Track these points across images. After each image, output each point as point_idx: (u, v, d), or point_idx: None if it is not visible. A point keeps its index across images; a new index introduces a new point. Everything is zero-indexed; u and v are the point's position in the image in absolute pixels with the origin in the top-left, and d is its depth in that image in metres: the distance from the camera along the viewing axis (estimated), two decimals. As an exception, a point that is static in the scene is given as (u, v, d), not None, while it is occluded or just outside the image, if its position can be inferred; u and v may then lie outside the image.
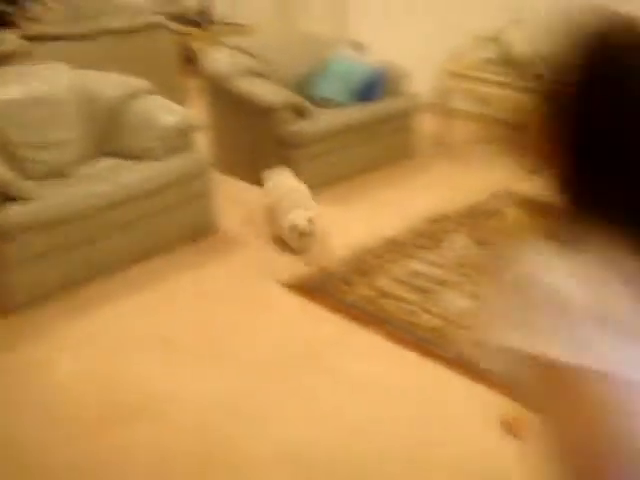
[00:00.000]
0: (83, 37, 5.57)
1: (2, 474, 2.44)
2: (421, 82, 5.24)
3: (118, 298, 3.47)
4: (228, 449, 2.54)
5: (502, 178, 3.68)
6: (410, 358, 2.99)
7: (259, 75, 4.72)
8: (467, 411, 2.68)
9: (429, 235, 4.02)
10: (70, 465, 2.47)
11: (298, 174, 4.50)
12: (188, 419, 2.69)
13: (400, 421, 2.66)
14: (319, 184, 4.64)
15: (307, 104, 4.66)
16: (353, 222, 4.21)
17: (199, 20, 7.49)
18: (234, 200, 4.43)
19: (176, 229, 3.92)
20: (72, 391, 2.86)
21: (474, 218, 4.19)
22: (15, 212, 3.30)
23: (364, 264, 3.72)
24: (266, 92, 4.55)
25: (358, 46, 5.39)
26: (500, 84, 4.87)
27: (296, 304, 3.41)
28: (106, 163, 3.90)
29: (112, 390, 2.85)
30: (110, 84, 4.15)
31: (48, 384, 2.90)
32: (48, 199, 3.46)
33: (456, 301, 3.36)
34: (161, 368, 2.97)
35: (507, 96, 4.77)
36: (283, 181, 4.08)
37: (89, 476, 2.43)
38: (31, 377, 2.95)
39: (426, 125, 5.33)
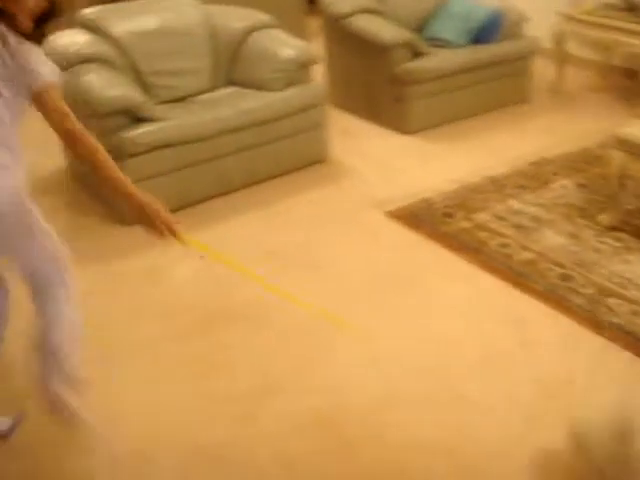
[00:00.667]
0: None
1: (120, 369, 2.79)
2: (539, 26, 5.23)
3: (234, 214, 3.80)
4: (324, 350, 2.82)
5: (612, 126, 3.71)
6: (501, 287, 3.16)
7: (378, 14, 4.86)
8: (549, 338, 2.84)
9: (532, 177, 4.11)
10: (181, 359, 2.81)
11: (409, 112, 4.66)
12: (288, 324, 2.98)
13: (485, 338, 2.85)
14: (430, 123, 4.79)
15: (423, 43, 4.78)
16: (459, 160, 4.35)
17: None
18: (346, 132, 4.66)
19: (291, 156, 4.19)
20: (185, 293, 3.20)
21: (579, 163, 4.24)
22: (145, 132, 3.66)
23: (466, 199, 3.88)
24: (383, 30, 4.69)
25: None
26: (621, 30, 4.82)
27: (397, 231, 3.62)
28: (229, 91, 4.20)
29: (221, 294, 3.18)
30: (235, 17, 4.42)
31: (165, 286, 3.26)
32: (175, 121, 3.80)
33: (552, 239, 3.48)
34: (269, 279, 3.26)
35: (627, 43, 4.73)
36: None
37: (197, 369, 2.76)
38: (152, 279, 3.32)
39: (541, 70, 5.33)
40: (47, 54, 2.08)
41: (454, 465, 2.28)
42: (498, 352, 2.78)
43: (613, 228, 3.49)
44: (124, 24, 4.08)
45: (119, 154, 3.58)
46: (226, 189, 3.99)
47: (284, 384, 2.65)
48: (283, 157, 4.17)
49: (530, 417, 2.44)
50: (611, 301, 3.00)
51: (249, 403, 2.57)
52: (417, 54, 4.69)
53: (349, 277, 3.28)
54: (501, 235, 3.53)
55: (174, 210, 3.69)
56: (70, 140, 2.10)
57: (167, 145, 3.72)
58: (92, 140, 2.10)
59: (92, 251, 3.50)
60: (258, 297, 3.14)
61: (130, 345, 2.87)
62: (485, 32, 4.95)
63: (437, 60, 4.74)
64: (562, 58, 5.33)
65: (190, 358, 2.79)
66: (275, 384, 2.66)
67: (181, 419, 2.50)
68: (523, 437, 2.35)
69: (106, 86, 3.64)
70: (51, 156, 4.26)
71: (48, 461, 2.36)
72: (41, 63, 2.01)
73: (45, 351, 2.26)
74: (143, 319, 3.03)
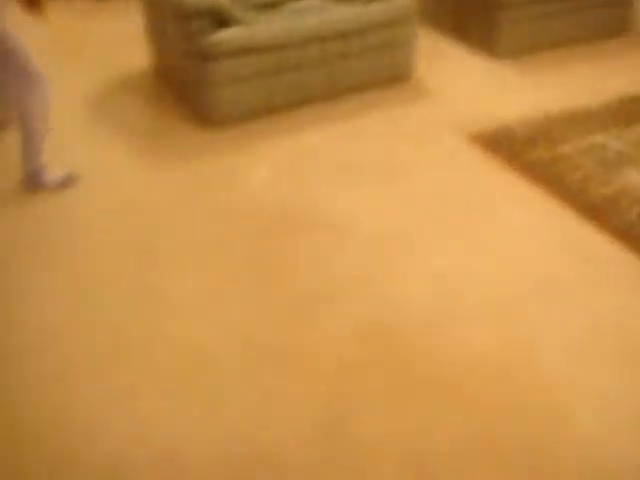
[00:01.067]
0: None
1: (188, 265, 2.89)
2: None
3: (313, 125, 3.81)
4: (390, 264, 2.85)
5: None
6: (573, 219, 3.10)
7: None
8: (614, 276, 2.80)
9: (622, 113, 3.96)
10: (245, 259, 2.89)
11: (501, 36, 4.52)
12: (358, 235, 3.01)
13: (549, 267, 2.83)
14: (521, 49, 4.64)
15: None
16: (547, 89, 4.21)
17: None
18: (433, 51, 4.56)
19: (375, 71, 4.14)
20: (259, 198, 3.27)
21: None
22: (230, 35, 3.66)
23: (549, 129, 3.77)
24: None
25: None
26: None
27: (474, 154, 3.57)
28: (317, 1, 4.13)
29: (294, 200, 3.23)
30: None
31: (241, 189, 3.33)
32: (261, 26, 3.79)
33: (635, 177, 3.37)
34: (342, 191, 3.29)
35: None
36: None
37: (263, 271, 2.84)
38: (229, 181, 3.39)
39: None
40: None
41: (507, 388, 2.31)
42: (561, 281, 2.76)
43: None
44: None
45: (203, 57, 3.62)
46: (307, 99, 3.99)
47: (347, 292, 2.70)
48: (367, 71, 4.12)
49: (580, 353, 2.43)
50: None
51: (311, 307, 2.64)
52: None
53: (420, 194, 3.28)
54: (581, 168, 3.43)
55: (254, 116, 3.78)
56: None
57: (252, 50, 3.72)
58: None
59: (172, 150, 3.59)
60: (330, 207, 3.17)
61: (200, 242, 2.96)
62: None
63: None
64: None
65: (256, 259, 2.87)
66: (338, 291, 2.71)
67: (244, 319, 2.59)
68: (571, 374, 2.35)
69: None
70: (136, 55, 4.33)
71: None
72: None
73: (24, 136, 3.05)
74: (216, 219, 3.11)
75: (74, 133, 3.73)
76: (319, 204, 3.20)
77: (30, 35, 3.05)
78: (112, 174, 3.41)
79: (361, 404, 2.21)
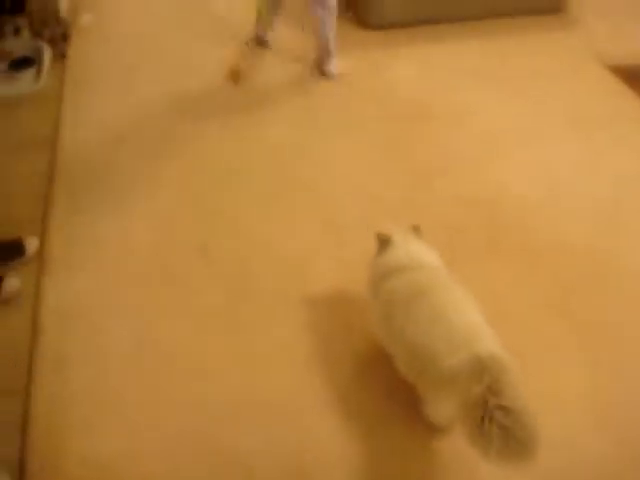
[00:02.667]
0: None
1: (334, 137, 3.31)
2: None
3: (461, 39, 4.10)
4: (499, 153, 3.15)
5: None
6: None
7: None
8: None
9: None
10: (377, 137, 3.29)
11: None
12: (482, 123, 3.36)
13: None
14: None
15: None
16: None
17: None
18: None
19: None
20: (403, 88, 3.66)
21: None
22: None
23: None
24: None
25: None
26: None
27: (613, 85, 3.76)
28: None
29: (427, 95, 3.59)
30: None
31: (384, 80, 3.71)
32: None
33: None
34: (473, 91, 3.62)
35: None
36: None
37: (391, 145, 3.22)
38: (372, 73, 3.78)
39: None
40: None
41: (585, 266, 2.60)
42: None
43: None
44: None
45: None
46: (460, 16, 4.26)
47: (458, 171, 3.06)
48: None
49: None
50: None
51: (424, 176, 3.02)
52: None
53: (548, 104, 3.55)
54: None
55: (407, 25, 4.10)
56: None
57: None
58: None
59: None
60: (459, 101, 3.52)
61: (347, 121, 3.39)
62: None
63: None
64: None
65: (386, 138, 3.27)
66: (450, 168, 3.07)
67: (372, 181, 3.00)
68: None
69: None
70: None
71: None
72: None
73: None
74: (365, 101, 3.53)
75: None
76: (449, 99, 3.55)
77: None
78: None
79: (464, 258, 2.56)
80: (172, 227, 2.73)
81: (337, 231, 2.71)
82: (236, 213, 2.80)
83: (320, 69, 3.75)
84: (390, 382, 2.05)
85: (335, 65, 3.72)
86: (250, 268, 2.55)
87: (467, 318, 1.84)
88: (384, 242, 2.07)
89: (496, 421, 1.60)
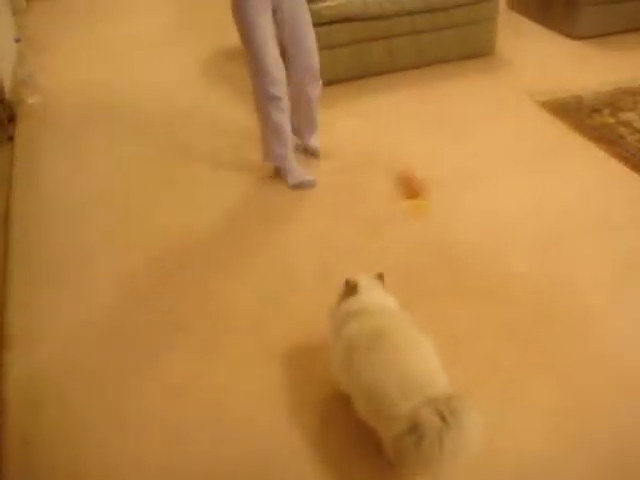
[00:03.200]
0: None
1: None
2: None
3: (397, 88, 4.27)
4: (447, 201, 3.26)
5: None
6: (628, 173, 3.42)
7: None
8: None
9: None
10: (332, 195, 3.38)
11: (580, 17, 4.82)
12: (424, 173, 3.39)
13: (602, 211, 3.17)
14: (599, 31, 4.92)
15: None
16: (620, 67, 4.50)
17: None
18: (515, 30, 4.93)
19: (459, 44, 4.57)
20: (348, 143, 3.76)
21: None
22: (329, 5, 4.16)
23: (616, 100, 4.09)
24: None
25: None
26: None
27: (543, 118, 3.94)
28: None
29: (373, 147, 3.70)
30: None
31: (332, 136, 3.81)
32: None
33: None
34: (417, 137, 3.75)
35: None
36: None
37: (339, 197, 3.31)
38: (322, 129, 3.86)
39: None
40: None
41: (538, 298, 2.69)
42: (610, 220, 3.09)
43: None
44: None
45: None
46: (395, 67, 4.46)
47: (407, 217, 3.13)
48: (451, 45, 4.55)
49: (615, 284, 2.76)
50: None
51: (375, 224, 3.10)
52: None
53: (489, 146, 3.69)
54: (641, 131, 3.75)
55: (348, 79, 4.27)
56: None
57: (347, 20, 4.20)
58: None
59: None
60: (405, 151, 3.63)
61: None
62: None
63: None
64: None
65: (335, 192, 3.35)
66: (398, 216, 3.13)
67: (326, 230, 3.07)
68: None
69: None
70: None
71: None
72: None
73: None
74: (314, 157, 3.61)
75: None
76: (392, 149, 3.66)
77: None
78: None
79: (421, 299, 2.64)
80: (135, 289, 2.76)
81: (293, 281, 2.77)
82: (200, 272, 2.85)
83: (309, 147, 3.68)
84: (356, 426, 2.08)
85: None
86: (214, 325, 2.58)
87: (423, 362, 1.90)
88: (351, 288, 2.11)
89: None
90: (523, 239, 3.00)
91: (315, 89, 3.38)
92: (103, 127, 4.03)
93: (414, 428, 1.69)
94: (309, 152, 3.67)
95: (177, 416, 2.23)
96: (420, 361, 1.90)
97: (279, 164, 3.45)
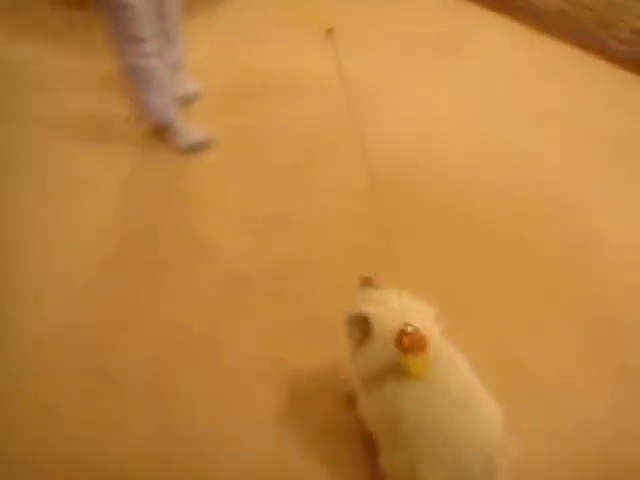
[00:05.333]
0: None
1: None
2: None
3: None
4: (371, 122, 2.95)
5: None
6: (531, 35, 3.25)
7: None
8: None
9: None
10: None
11: None
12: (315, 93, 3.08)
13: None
14: None
15: None
16: None
17: None
18: None
19: None
20: (210, 71, 3.21)
21: None
22: None
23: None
24: None
25: None
26: None
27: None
28: None
29: (249, 69, 3.24)
30: None
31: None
32: None
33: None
34: (287, 47, 3.35)
35: None
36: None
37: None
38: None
39: None
40: None
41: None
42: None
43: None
44: None
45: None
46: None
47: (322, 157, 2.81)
48: None
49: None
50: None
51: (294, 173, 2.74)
52: None
53: (398, 36, 3.38)
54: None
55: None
56: None
57: None
58: None
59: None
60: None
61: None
62: None
63: None
64: None
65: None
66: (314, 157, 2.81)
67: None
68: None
69: None
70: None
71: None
72: None
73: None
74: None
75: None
76: (293, 63, 3.27)
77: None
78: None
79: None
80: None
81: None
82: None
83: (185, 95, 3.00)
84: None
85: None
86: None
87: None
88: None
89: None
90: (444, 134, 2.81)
91: None
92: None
93: None
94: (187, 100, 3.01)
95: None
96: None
97: (163, 119, 2.77)
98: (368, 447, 1.82)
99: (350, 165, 2.63)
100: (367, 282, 1.74)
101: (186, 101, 2.98)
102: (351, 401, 1.84)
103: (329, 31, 1.94)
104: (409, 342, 1.56)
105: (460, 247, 2.38)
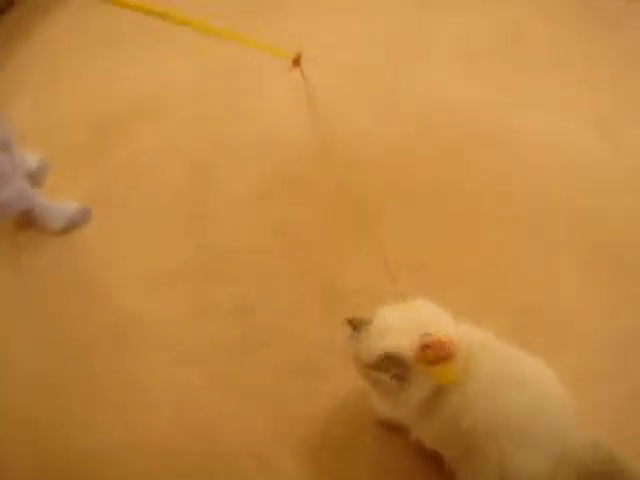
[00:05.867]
0: None
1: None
2: None
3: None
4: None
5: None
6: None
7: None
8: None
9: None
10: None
11: None
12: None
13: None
14: None
15: None
16: None
17: None
18: None
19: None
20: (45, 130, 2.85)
21: None
22: None
23: None
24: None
25: None
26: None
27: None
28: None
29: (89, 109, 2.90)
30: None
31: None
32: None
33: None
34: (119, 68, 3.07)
35: None
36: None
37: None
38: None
39: None
40: None
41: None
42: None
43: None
44: None
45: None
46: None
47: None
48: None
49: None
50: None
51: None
52: None
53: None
54: None
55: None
56: None
57: None
58: None
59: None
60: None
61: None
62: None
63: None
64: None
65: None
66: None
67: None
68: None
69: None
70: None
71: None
72: None
73: None
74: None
75: None
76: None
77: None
78: None
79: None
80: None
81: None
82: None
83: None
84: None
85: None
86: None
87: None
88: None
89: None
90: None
91: None
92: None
93: None
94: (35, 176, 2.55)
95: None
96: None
97: (21, 208, 2.37)
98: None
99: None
100: (353, 322, 1.59)
101: (35, 178, 2.52)
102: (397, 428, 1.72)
103: (295, 61, 1.81)
104: (433, 356, 1.47)
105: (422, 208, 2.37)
